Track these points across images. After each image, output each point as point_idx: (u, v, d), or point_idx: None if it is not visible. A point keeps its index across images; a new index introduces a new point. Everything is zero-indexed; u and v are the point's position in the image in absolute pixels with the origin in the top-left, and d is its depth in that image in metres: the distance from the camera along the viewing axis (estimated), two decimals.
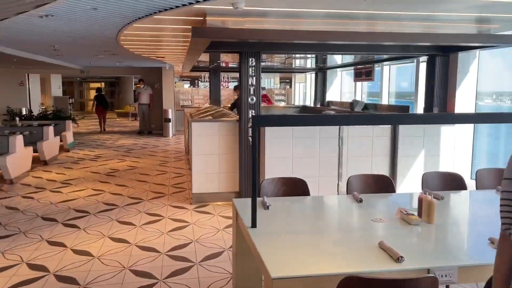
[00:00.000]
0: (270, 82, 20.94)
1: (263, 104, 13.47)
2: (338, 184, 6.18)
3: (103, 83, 30.38)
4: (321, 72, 12.00)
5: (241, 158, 6.15)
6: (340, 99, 12.08)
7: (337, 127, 6.06)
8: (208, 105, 12.88)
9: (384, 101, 9.37)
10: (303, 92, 16.30)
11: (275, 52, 6.62)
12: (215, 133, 6.28)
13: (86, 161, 9.95)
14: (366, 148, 6.19)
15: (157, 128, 15.81)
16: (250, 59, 5.97)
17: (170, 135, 15.09)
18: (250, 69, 5.99)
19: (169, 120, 15.09)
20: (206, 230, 5.17)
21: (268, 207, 3.16)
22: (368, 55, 8.57)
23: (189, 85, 23.94)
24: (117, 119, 23.47)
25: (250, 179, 6.10)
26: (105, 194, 6.92)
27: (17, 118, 10.58)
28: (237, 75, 19.39)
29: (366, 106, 9.41)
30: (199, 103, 16.22)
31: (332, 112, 10.13)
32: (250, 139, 6.09)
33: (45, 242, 4.75)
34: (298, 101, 16.13)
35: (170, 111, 15.06)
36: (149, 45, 7.90)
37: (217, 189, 6.38)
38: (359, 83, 10.65)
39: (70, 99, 18.90)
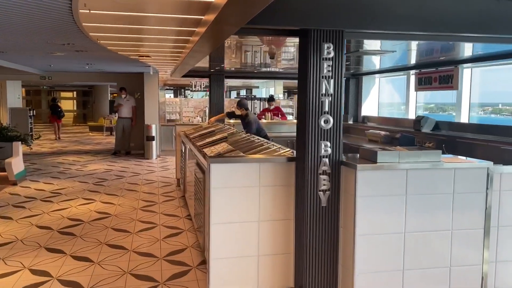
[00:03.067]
0: (267, 91, 18.16)
1: (274, 119, 10.69)
2: (482, 277, 3.37)
3: (74, 92, 27.20)
4: (354, 79, 9.30)
5: (301, 228, 3.30)
6: (378, 114, 9.39)
7: (484, 173, 3.27)
8: (206, 121, 10.03)
9: (464, 117, 6.70)
10: None
11: (370, 34, 3.64)
12: (254, 182, 3.42)
13: (37, 204, 6.88)
14: None
15: (137, 147, 12.80)
16: (325, 46, 3.15)
17: (154, 156, 12.10)
18: (325, 65, 3.17)
19: (152, 138, 12.11)
20: None
21: None
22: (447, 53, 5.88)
23: (172, 95, 20.99)
24: (90, 133, 20.26)
25: (319, 267, 3.25)
26: (52, 283, 3.94)
27: None
28: (236, 82, 16.71)
29: (437, 125, 6.70)
30: (189, 117, 13.30)
31: (383, 133, 7.40)
32: (322, 194, 3.24)
33: None
34: None
35: (154, 126, 12.10)
36: (128, 30, 4.96)
37: (255, 284, 3.49)
38: (412, 93, 7.97)
39: (31, 111, 15.61)
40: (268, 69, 8.96)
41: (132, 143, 12.80)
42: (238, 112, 7.43)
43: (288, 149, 3.90)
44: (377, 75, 9.10)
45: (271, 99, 10.64)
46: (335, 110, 3.22)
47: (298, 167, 3.37)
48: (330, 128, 3.22)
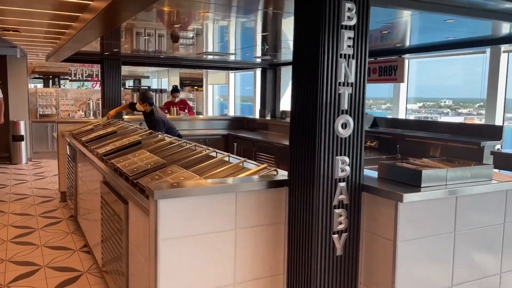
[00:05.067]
0: (160, 82, 16.40)
1: (181, 114, 9.21)
2: None
3: None
4: (272, 70, 8.35)
5: None
6: None
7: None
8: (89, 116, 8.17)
9: (402, 112, 6.16)
10: (218, 96, 12.42)
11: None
12: (227, 224, 2.13)
13: None
14: None
15: (0, 149, 10.19)
16: (346, 7, 1.99)
17: (23, 160, 9.74)
18: (345, 37, 2.01)
19: (21, 138, 9.72)
20: None
21: None
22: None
23: (42, 85, 17.86)
24: None
25: None
26: None
27: None
28: (133, 69, 14.55)
29: (375, 122, 6.06)
30: (69, 112, 11.06)
31: None
32: (337, 237, 2.11)
33: None
34: (212, 110, 12.15)
35: (22, 123, 9.72)
36: None
37: None
38: None
39: None
40: (172, 55, 7.48)
41: None
42: (141, 109, 5.88)
43: (259, 164, 2.67)
44: None
45: (175, 90, 9.10)
46: (356, 108, 2.09)
47: (295, 195, 2.18)
48: (350, 136, 2.09)
